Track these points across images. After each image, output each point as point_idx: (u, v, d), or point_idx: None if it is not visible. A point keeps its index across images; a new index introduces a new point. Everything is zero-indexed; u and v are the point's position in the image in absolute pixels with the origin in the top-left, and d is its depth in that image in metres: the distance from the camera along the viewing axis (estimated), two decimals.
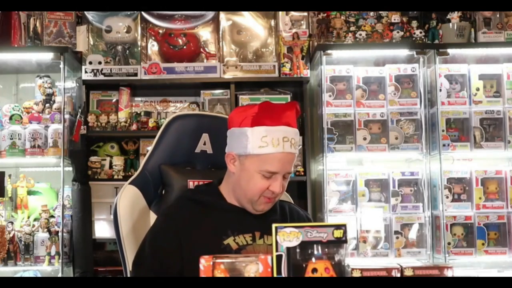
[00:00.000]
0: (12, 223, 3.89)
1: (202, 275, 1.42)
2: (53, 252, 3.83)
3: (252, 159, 1.95)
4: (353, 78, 4.07)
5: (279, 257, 1.42)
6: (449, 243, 3.91)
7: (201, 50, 4.35)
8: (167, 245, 1.95)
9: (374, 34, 4.21)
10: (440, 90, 4.00)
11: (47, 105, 4.07)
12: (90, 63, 4.16)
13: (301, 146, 4.13)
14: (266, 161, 1.93)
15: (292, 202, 2.27)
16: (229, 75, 4.18)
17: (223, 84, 4.22)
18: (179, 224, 1.98)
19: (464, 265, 3.88)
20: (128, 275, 2.08)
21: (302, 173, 4.10)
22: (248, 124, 1.94)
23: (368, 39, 4.19)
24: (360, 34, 4.18)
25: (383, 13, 4.26)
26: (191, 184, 2.19)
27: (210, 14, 4.34)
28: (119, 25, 4.26)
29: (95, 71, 4.14)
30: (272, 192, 1.97)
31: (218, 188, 2.09)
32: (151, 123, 4.16)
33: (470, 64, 4.09)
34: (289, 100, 4.17)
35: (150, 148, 2.26)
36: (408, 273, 1.48)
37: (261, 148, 1.92)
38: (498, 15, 4.19)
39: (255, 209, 2.01)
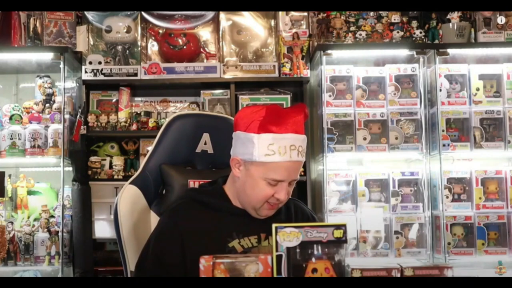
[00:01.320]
0: (12, 223, 3.89)
1: (202, 275, 1.42)
2: (53, 252, 3.83)
3: (257, 166, 1.92)
4: (353, 78, 4.07)
5: (279, 257, 1.42)
6: (449, 243, 3.91)
7: (201, 50, 4.35)
8: (170, 249, 1.94)
9: (374, 34, 4.21)
10: (440, 90, 4.00)
11: (47, 105, 4.07)
12: (90, 63, 4.16)
13: None
14: (272, 169, 1.90)
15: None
16: (229, 75, 4.18)
17: (223, 84, 4.22)
18: (183, 227, 1.96)
19: (464, 265, 3.88)
20: (129, 275, 2.08)
21: (302, 173, 4.09)
22: (255, 130, 1.90)
23: (368, 39, 4.19)
24: (360, 34, 4.18)
25: (383, 13, 4.26)
26: (192, 184, 2.19)
27: (210, 14, 4.34)
28: (119, 25, 4.25)
29: (95, 71, 4.14)
30: (277, 199, 1.95)
31: (223, 189, 2.07)
32: (151, 123, 4.16)
33: (470, 64, 4.09)
34: (289, 100, 4.17)
35: (150, 148, 2.26)
36: (408, 273, 1.48)
37: (267, 156, 1.89)
38: (498, 15, 4.19)
39: (258, 214, 2.00)
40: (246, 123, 1.93)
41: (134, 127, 4.17)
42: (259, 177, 1.92)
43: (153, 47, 4.39)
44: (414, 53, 4.06)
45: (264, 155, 1.89)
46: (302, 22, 4.32)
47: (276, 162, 1.90)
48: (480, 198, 3.97)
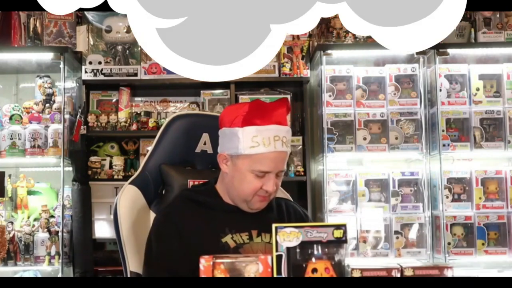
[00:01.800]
0: (12, 223, 3.89)
1: (202, 275, 1.42)
2: (53, 252, 3.83)
3: (244, 159, 1.96)
4: (353, 78, 4.07)
5: (279, 257, 1.42)
6: (449, 243, 3.91)
7: None
8: (174, 246, 1.95)
9: None
10: (440, 90, 4.00)
11: (47, 105, 4.07)
12: (90, 63, 4.16)
13: (301, 146, 4.14)
14: (258, 161, 1.94)
15: (290, 199, 2.27)
16: None
17: (223, 84, 4.22)
18: (178, 223, 1.98)
19: (464, 265, 3.88)
20: (129, 275, 2.08)
21: (302, 173, 4.10)
22: (239, 124, 1.95)
23: (368, 39, 4.19)
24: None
25: None
26: (191, 184, 2.19)
27: None
28: (119, 25, 4.25)
29: (95, 71, 4.14)
30: (265, 191, 1.98)
31: (215, 187, 2.10)
32: (151, 123, 4.16)
33: (470, 64, 4.09)
34: (289, 100, 4.16)
35: (150, 148, 2.26)
36: (408, 273, 1.48)
37: (252, 148, 1.93)
38: (498, 15, 4.19)
39: (250, 208, 2.02)
40: (230, 119, 1.98)
41: (134, 127, 4.17)
42: (246, 170, 1.96)
43: None
44: (414, 53, 4.06)
45: (249, 147, 1.93)
46: None
47: (261, 153, 1.93)
48: (480, 198, 3.97)
